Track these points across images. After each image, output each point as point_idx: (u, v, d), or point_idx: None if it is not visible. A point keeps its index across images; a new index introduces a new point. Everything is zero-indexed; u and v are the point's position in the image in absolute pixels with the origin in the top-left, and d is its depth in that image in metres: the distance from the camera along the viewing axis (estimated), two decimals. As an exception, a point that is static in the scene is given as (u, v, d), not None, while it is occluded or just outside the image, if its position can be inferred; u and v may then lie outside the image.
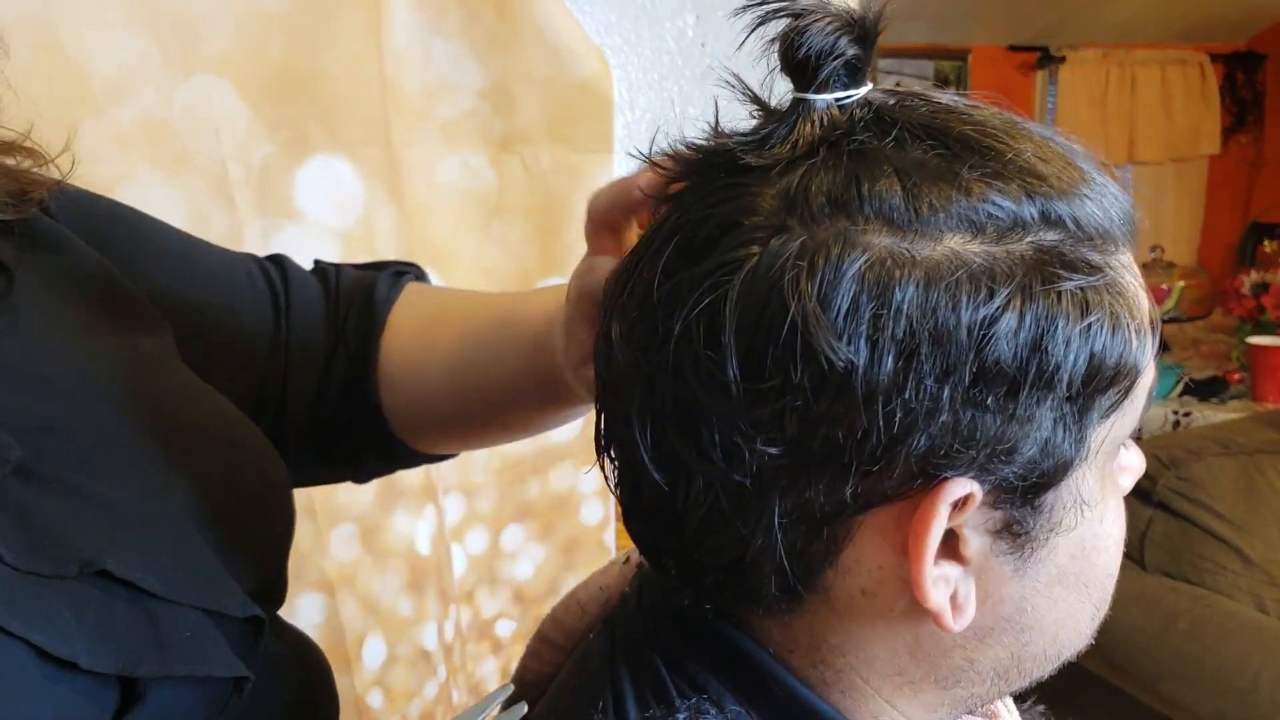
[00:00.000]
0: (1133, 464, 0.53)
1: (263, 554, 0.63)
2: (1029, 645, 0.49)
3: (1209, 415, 2.87)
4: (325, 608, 1.05)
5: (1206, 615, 1.81)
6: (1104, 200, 0.45)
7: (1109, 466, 0.48)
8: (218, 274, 0.74)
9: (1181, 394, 3.09)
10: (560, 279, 1.28)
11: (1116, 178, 0.48)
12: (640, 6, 1.40)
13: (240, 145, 1.04)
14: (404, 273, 0.80)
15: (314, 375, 0.74)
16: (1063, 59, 3.59)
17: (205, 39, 1.01)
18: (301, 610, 1.04)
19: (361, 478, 0.82)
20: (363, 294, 0.77)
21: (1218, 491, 1.96)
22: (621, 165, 1.33)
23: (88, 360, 0.59)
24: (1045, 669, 0.51)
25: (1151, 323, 0.46)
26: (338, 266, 0.80)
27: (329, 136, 1.07)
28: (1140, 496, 2.00)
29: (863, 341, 0.40)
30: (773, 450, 0.42)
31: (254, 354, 0.72)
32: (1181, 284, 3.47)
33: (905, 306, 0.40)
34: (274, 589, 0.66)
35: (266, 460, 0.65)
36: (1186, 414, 2.94)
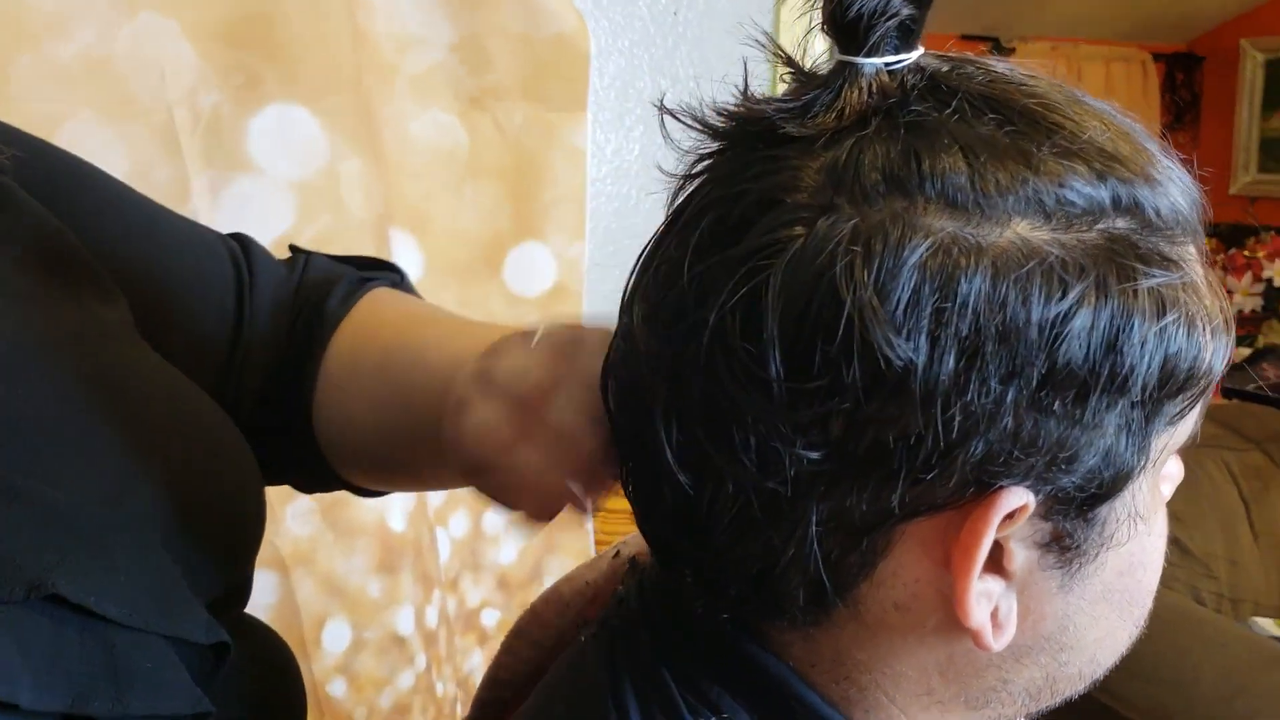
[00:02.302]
0: (1173, 472, 0.50)
1: (231, 559, 0.57)
2: (1066, 665, 0.46)
3: (1146, 409, 2.91)
4: (278, 586, 0.99)
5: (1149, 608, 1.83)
6: (1176, 185, 0.41)
7: (1159, 475, 0.44)
8: (184, 249, 0.66)
9: (1118, 388, 3.12)
10: (534, 243, 1.23)
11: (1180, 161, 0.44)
12: (612, -30, 1.35)
13: (188, 90, 0.97)
14: (371, 279, 0.71)
15: (260, 377, 0.66)
16: (1012, 50, 3.61)
17: (152, -27, 0.94)
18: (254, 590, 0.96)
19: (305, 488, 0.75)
20: (316, 299, 0.68)
21: (1159, 485, 1.98)
22: (595, 125, 1.28)
23: (35, 334, 0.51)
24: (1077, 689, 0.48)
25: (1226, 323, 0.42)
26: (309, 255, 0.72)
27: (287, 84, 1.01)
28: (1084, 489, 2.02)
29: (924, 338, 0.36)
30: (813, 454, 0.38)
31: (215, 343, 0.65)
32: (1119, 279, 3.52)
33: (971, 300, 0.36)
34: (239, 592, 0.60)
35: (242, 456, 0.59)
36: (1124, 408, 2.97)
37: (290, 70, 1.01)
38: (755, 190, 0.40)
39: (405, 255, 1.15)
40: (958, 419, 0.37)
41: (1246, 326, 3.23)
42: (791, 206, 0.39)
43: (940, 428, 0.37)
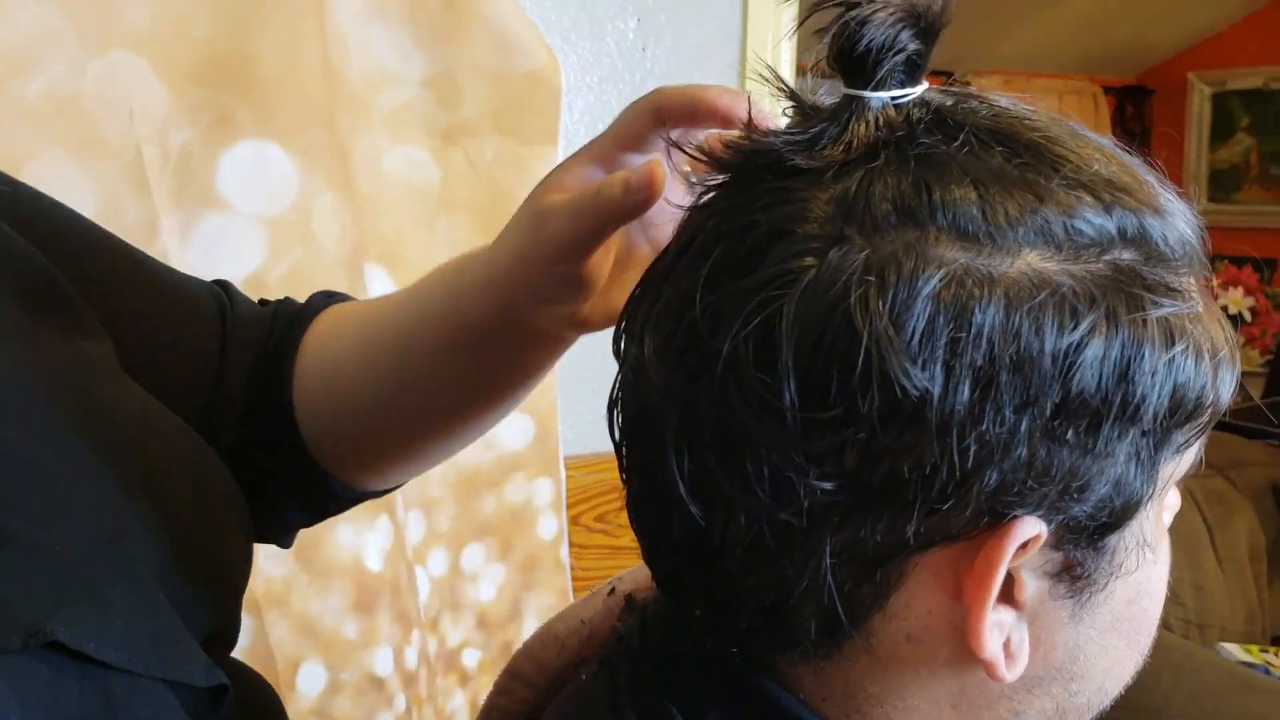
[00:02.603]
0: (1172, 502, 0.50)
1: (221, 597, 0.55)
2: (1076, 695, 0.46)
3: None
4: (252, 629, 0.97)
5: (1116, 635, 1.84)
6: (1175, 218, 0.42)
7: (1163, 504, 0.45)
8: (165, 281, 0.65)
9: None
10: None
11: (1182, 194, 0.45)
12: (580, 6, 1.35)
13: (157, 128, 0.96)
14: (343, 296, 0.72)
15: (242, 393, 0.66)
16: (966, 84, 3.66)
17: (121, 13, 0.93)
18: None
19: (286, 538, 0.73)
20: (290, 310, 0.69)
21: (1125, 512, 2.00)
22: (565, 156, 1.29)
23: (23, 371, 0.50)
24: (1085, 719, 0.48)
25: (1231, 353, 0.43)
26: (284, 299, 0.72)
27: (259, 121, 1.00)
28: (1052, 517, 2.03)
29: (939, 368, 0.36)
30: (828, 485, 0.38)
31: (197, 382, 0.64)
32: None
33: (986, 330, 0.36)
34: (229, 632, 0.58)
35: (229, 492, 0.58)
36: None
37: (262, 107, 1.00)
38: (765, 221, 0.40)
39: (380, 289, 1.15)
40: (973, 449, 0.37)
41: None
42: (802, 237, 0.39)
43: (956, 457, 0.37)
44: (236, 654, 0.62)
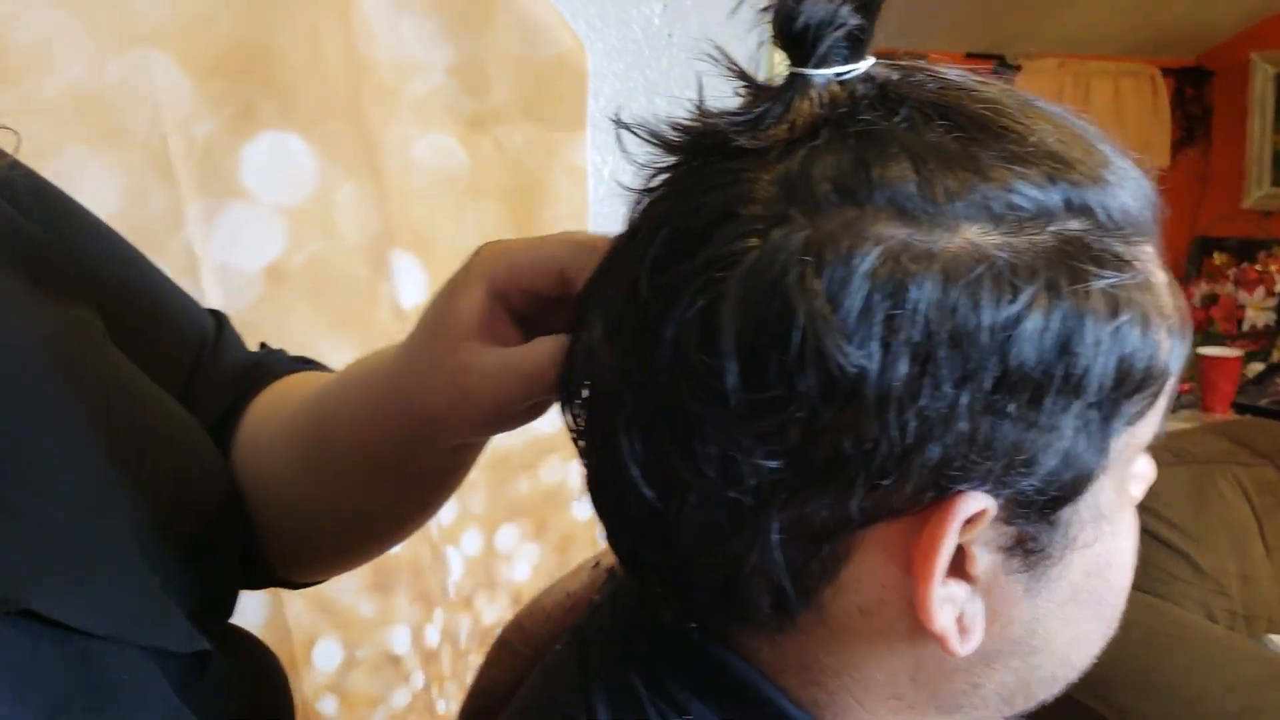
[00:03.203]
0: (1145, 472, 0.50)
1: (213, 569, 0.56)
2: (1038, 669, 0.45)
3: (1158, 425, 2.89)
4: (268, 605, 0.99)
5: (1158, 624, 1.81)
6: (1129, 186, 0.41)
7: (1125, 475, 0.44)
8: (162, 286, 0.66)
9: (1131, 403, 3.10)
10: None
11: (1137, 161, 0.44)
12: (607, -8, 1.36)
13: (182, 119, 0.99)
14: (303, 362, 0.70)
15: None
16: (1018, 67, 3.59)
17: (142, 12, 0.95)
18: (241, 609, 0.96)
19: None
20: (260, 369, 0.67)
21: (1170, 500, 1.97)
22: (594, 143, 1.29)
23: (14, 335, 0.51)
24: (1052, 692, 0.48)
25: (1182, 322, 0.43)
26: (272, 353, 0.71)
27: (281, 112, 1.02)
28: (1094, 504, 2.00)
29: (876, 345, 0.36)
30: (773, 464, 0.38)
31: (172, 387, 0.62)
32: (1131, 294, 3.50)
33: (922, 306, 0.36)
34: (223, 601, 0.59)
35: (214, 462, 0.58)
36: (1136, 423, 2.95)
37: (284, 99, 1.03)
38: (710, 203, 0.40)
39: (409, 277, 1.16)
40: (913, 424, 0.37)
41: (1260, 341, 3.19)
42: (747, 219, 0.39)
43: (895, 433, 0.37)
44: (253, 630, 0.63)
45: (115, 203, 0.95)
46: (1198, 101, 4.19)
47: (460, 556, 1.23)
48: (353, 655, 1.06)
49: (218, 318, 0.69)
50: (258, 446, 0.63)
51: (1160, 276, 0.42)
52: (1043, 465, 0.39)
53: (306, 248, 1.03)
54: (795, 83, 0.41)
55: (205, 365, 0.65)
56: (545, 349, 0.50)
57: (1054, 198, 0.39)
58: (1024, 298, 0.37)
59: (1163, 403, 0.43)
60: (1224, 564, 1.96)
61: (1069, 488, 0.40)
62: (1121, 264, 0.39)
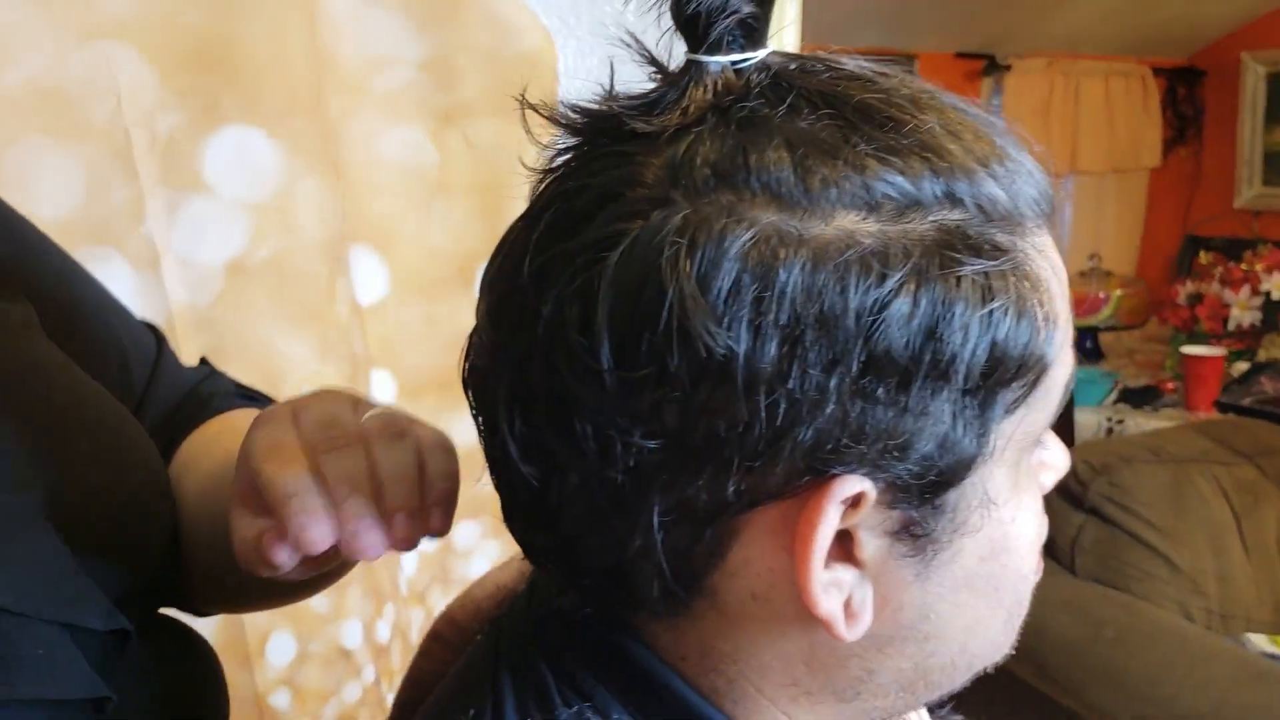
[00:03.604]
0: (1056, 461, 0.50)
1: (137, 554, 0.57)
2: (934, 655, 0.45)
3: (1142, 423, 2.89)
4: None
5: (1133, 623, 1.82)
6: (1017, 178, 0.42)
7: (1024, 463, 0.45)
8: (103, 300, 0.66)
9: (1116, 401, 3.11)
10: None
11: (1039, 153, 0.45)
12: (578, -11, 1.36)
13: (145, 113, 0.99)
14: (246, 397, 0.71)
15: None
16: (1008, 67, 3.60)
17: (105, 4, 0.96)
18: (195, 605, 0.97)
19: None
20: (201, 396, 0.68)
21: (1148, 499, 1.97)
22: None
23: None
24: (955, 680, 0.48)
25: (1068, 310, 0.43)
26: (218, 373, 0.72)
27: (245, 107, 1.02)
28: (1072, 502, 2.01)
29: (744, 326, 0.37)
30: (651, 444, 0.39)
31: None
32: (1119, 293, 3.49)
33: (790, 289, 0.37)
34: (155, 589, 0.60)
35: (146, 453, 0.59)
36: (1120, 421, 2.96)
37: (249, 94, 1.03)
38: (597, 185, 0.41)
39: (370, 272, 1.17)
40: (782, 406, 0.38)
41: (1245, 340, 3.19)
42: (631, 200, 0.39)
43: (765, 415, 0.38)
44: (207, 623, 0.64)
45: (77, 196, 0.95)
46: (1189, 101, 4.19)
47: (414, 552, 1.23)
48: (306, 649, 1.07)
49: (157, 335, 0.70)
50: (180, 491, 0.63)
51: (1045, 267, 0.42)
52: (918, 450, 0.39)
53: (268, 243, 1.03)
54: (690, 69, 0.41)
55: (142, 392, 0.66)
56: (241, 528, 0.50)
57: (929, 188, 0.39)
58: (891, 282, 0.37)
59: (1055, 393, 0.44)
60: (1201, 563, 1.96)
61: (948, 473, 0.40)
62: (999, 252, 0.40)
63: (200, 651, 0.65)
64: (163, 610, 0.64)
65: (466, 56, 1.20)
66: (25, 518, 0.50)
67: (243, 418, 0.67)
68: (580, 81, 1.38)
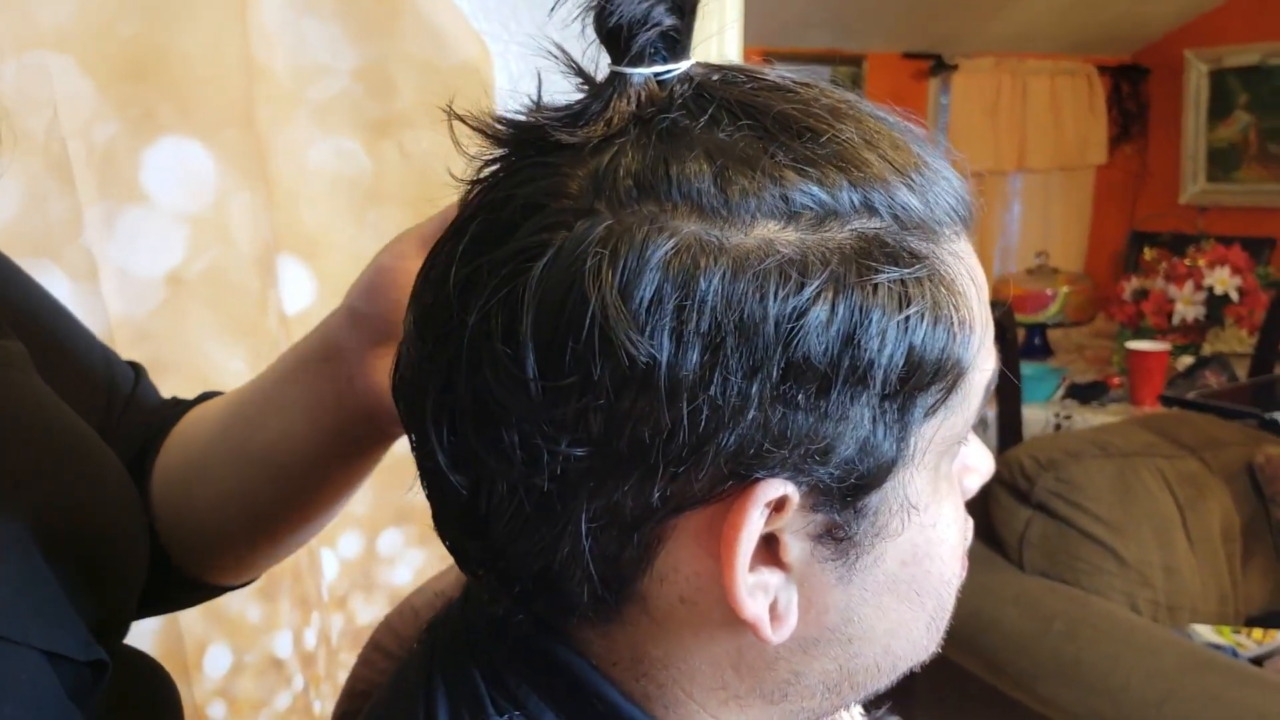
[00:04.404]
0: (979, 465, 0.51)
1: (113, 591, 0.57)
2: (858, 657, 0.46)
3: (1089, 418, 2.94)
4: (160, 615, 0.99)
5: (1082, 616, 1.84)
6: (935, 186, 0.43)
7: (944, 467, 0.45)
8: (77, 332, 0.68)
9: (1064, 397, 3.15)
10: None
11: (956, 160, 0.46)
12: (520, -10, 1.36)
13: (83, 123, 0.98)
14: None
15: None
16: (956, 67, 3.64)
17: (41, 14, 0.95)
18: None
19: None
20: (165, 416, 0.70)
21: (1094, 493, 2.00)
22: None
23: None
24: (881, 682, 0.49)
25: (986, 315, 0.44)
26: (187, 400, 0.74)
27: (181, 118, 1.02)
28: (1019, 498, 2.04)
29: (666, 335, 0.38)
30: (577, 451, 0.40)
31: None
32: (1066, 289, 3.54)
33: (710, 297, 0.38)
34: (119, 622, 0.60)
35: (124, 490, 0.60)
36: (1068, 417, 3.00)
37: (185, 104, 1.02)
38: (521, 195, 0.41)
39: (297, 283, 1.16)
40: (705, 413, 0.38)
41: (1190, 335, 3.25)
42: (555, 211, 0.40)
43: (688, 421, 0.38)
44: (147, 637, 0.64)
45: (13, 207, 0.94)
46: (1133, 99, 4.26)
47: (336, 558, 1.22)
48: (241, 660, 1.06)
49: (136, 369, 0.72)
50: (186, 456, 0.66)
51: (962, 273, 0.43)
52: (838, 454, 0.40)
53: (205, 254, 1.02)
54: (614, 81, 0.42)
55: (121, 408, 0.67)
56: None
57: (846, 197, 0.40)
58: (809, 290, 0.38)
59: (974, 398, 0.44)
60: (1148, 556, 2.00)
61: (869, 477, 0.41)
62: (916, 260, 0.40)
63: (162, 682, 0.65)
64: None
65: (401, 66, 1.19)
66: (13, 543, 0.50)
67: (232, 393, 0.70)
68: (522, 89, 1.39)
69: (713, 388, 0.38)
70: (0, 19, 0.92)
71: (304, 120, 1.13)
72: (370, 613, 1.26)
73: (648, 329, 0.37)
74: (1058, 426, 2.97)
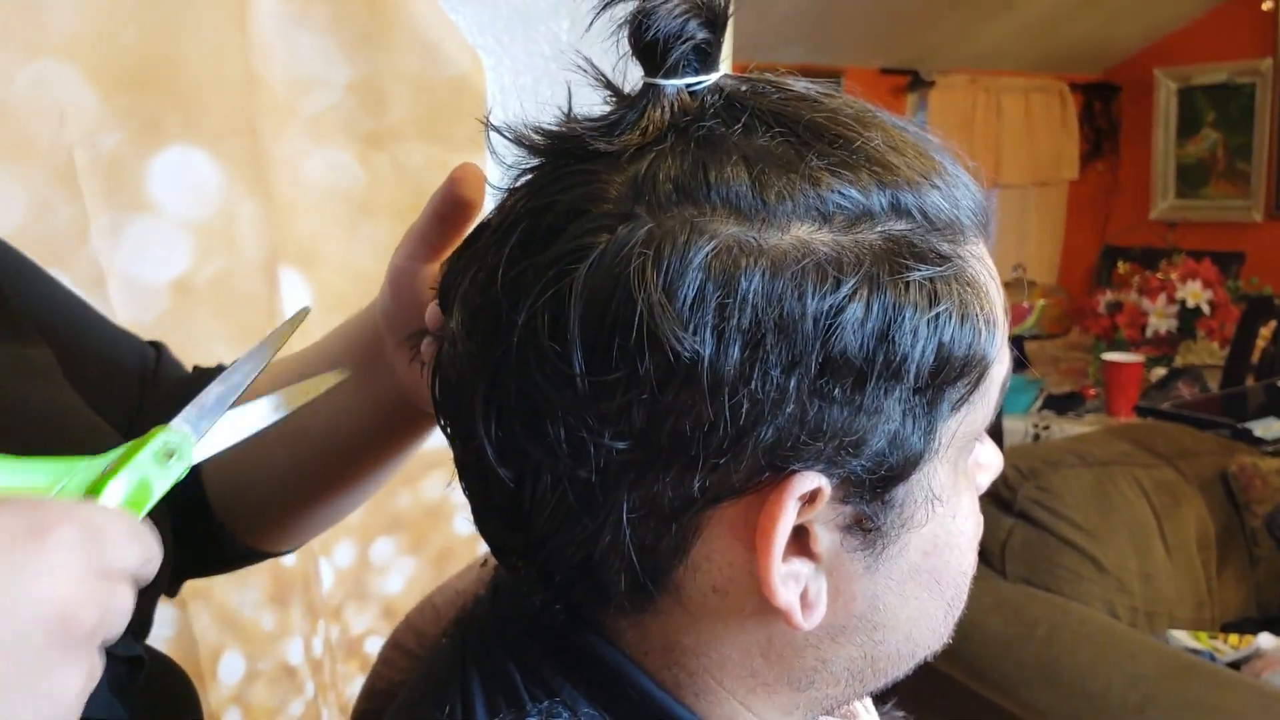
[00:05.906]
0: (990, 462, 0.53)
1: (144, 592, 0.59)
2: (882, 644, 0.48)
3: (1066, 428, 2.98)
4: (176, 620, 1.00)
5: (1063, 622, 1.87)
6: (955, 191, 0.45)
7: (962, 463, 0.48)
8: (101, 325, 0.70)
9: (1041, 408, 3.20)
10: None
11: (971, 168, 0.48)
12: (514, 8, 1.37)
13: (88, 132, 0.99)
14: None
15: None
16: (932, 83, 3.70)
17: (47, 23, 0.96)
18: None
19: (173, 587, 0.76)
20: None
21: (1074, 501, 2.03)
22: (493, 164, 1.32)
23: None
24: (901, 669, 0.51)
25: (1005, 313, 0.46)
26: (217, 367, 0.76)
27: (186, 126, 1.03)
28: (1001, 506, 2.06)
29: (709, 331, 0.39)
30: (620, 444, 0.41)
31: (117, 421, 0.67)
32: (1042, 302, 3.60)
33: (751, 296, 0.40)
34: (146, 622, 0.62)
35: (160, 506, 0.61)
36: (1046, 427, 3.04)
37: (189, 113, 1.03)
38: (564, 201, 0.43)
39: (293, 292, 1.17)
40: (745, 406, 0.40)
41: (1162, 347, 3.31)
42: (596, 215, 0.42)
43: (729, 415, 0.40)
44: (162, 644, 0.66)
45: (19, 216, 0.95)
46: (1105, 116, 4.33)
47: (331, 568, 1.23)
48: (254, 667, 1.07)
49: (156, 346, 0.74)
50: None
51: (983, 273, 0.45)
52: (870, 446, 0.42)
53: (212, 263, 1.04)
54: (648, 92, 0.44)
55: (151, 388, 0.70)
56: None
57: (877, 200, 0.42)
58: (846, 289, 0.40)
59: (993, 394, 0.47)
60: (1126, 563, 2.03)
61: (898, 469, 0.43)
62: (943, 260, 0.43)
63: (183, 680, 0.67)
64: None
65: (395, 80, 1.20)
66: None
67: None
68: (515, 100, 1.40)
69: (753, 382, 0.40)
70: (9, 27, 0.93)
71: (298, 132, 1.14)
72: (363, 622, 1.26)
73: (691, 326, 0.39)
74: (1036, 437, 3.01)
